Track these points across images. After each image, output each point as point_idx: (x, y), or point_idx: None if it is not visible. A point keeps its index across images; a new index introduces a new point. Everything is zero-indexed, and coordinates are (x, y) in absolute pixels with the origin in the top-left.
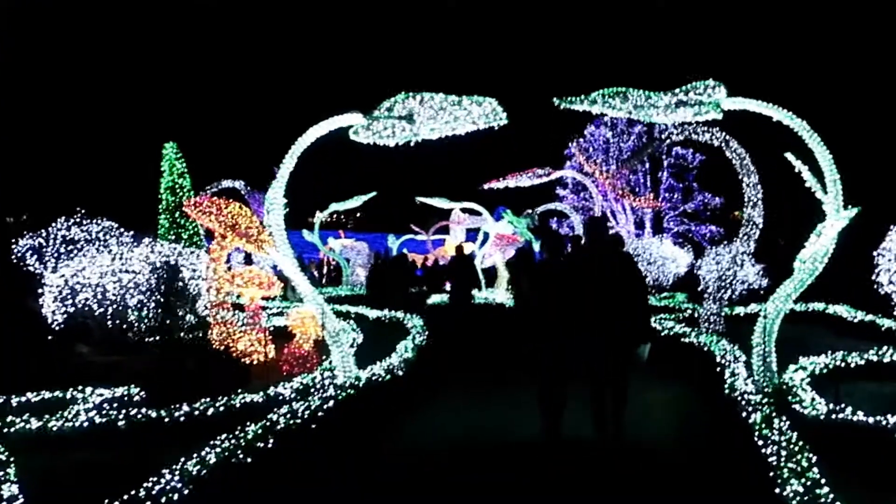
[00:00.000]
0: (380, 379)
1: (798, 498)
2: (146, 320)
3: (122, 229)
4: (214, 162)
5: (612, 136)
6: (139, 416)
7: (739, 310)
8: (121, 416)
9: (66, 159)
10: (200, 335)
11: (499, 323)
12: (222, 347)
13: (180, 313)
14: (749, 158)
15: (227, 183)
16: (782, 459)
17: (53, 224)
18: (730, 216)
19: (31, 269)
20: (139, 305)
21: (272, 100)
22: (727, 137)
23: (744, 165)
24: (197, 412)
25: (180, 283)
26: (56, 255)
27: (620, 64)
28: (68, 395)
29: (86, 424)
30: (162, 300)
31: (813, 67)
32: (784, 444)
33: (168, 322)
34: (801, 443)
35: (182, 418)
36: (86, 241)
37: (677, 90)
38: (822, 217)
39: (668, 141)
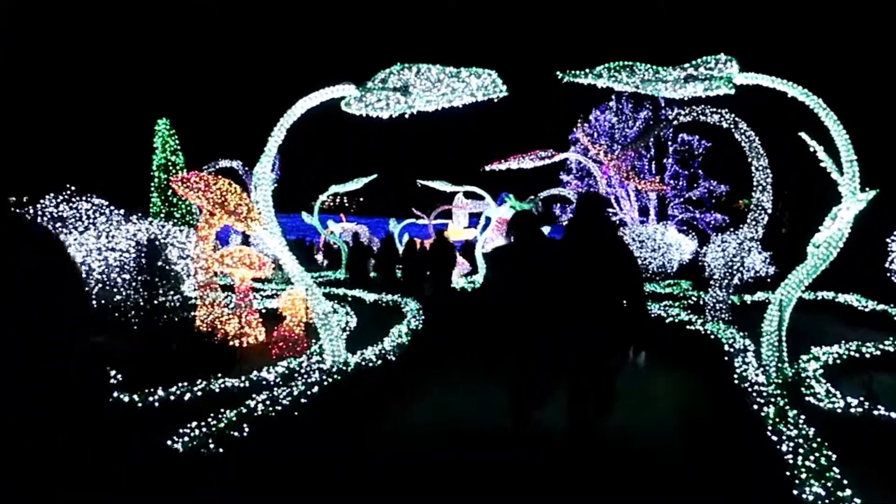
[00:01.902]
0: (370, 364)
1: (819, 501)
2: (130, 300)
3: (112, 207)
4: (210, 140)
5: (617, 122)
6: (110, 400)
7: (746, 297)
8: None
9: (59, 136)
10: (186, 316)
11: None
12: (209, 329)
13: (164, 293)
14: (758, 141)
15: (224, 163)
16: (800, 458)
17: (42, 201)
18: (734, 205)
19: None
20: (124, 285)
21: (272, 77)
22: (736, 119)
23: (753, 148)
24: (172, 397)
25: (162, 262)
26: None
27: (630, 44)
28: None
29: None
30: (145, 279)
31: (829, 44)
32: (801, 440)
33: (152, 302)
34: (818, 439)
35: (156, 403)
36: (75, 218)
37: (687, 64)
38: (828, 204)
39: (675, 122)
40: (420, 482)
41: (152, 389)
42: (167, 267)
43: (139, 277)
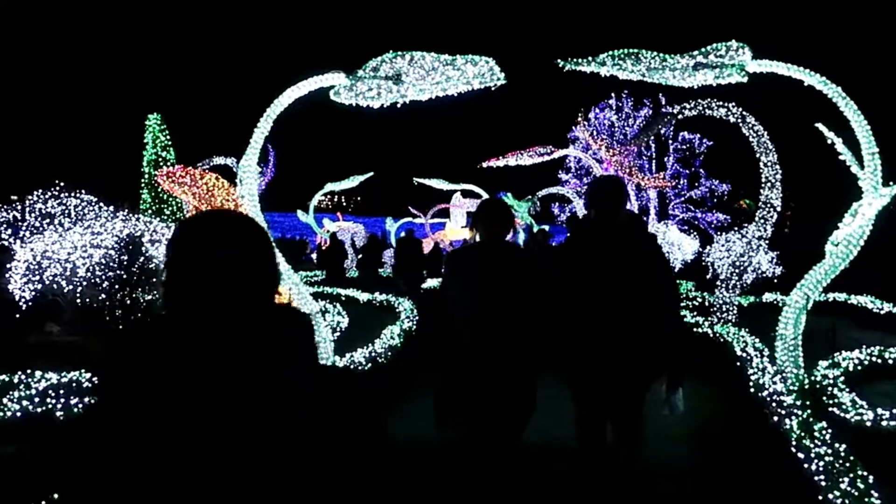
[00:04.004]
0: (359, 367)
1: None
2: (115, 299)
3: (101, 204)
4: (204, 136)
5: (616, 120)
6: (80, 405)
7: (752, 299)
8: (59, 406)
9: (49, 130)
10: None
11: None
12: None
13: (143, 291)
14: (767, 136)
15: (218, 160)
16: (831, 479)
17: (29, 197)
18: (736, 205)
19: (5, 243)
20: (105, 282)
21: (268, 71)
22: (743, 113)
23: (761, 143)
24: None
25: (143, 260)
26: (32, 229)
27: (634, 35)
28: (15, 380)
29: (19, 415)
30: (123, 276)
31: (847, 30)
32: (831, 458)
33: (129, 300)
34: (851, 457)
35: None
36: (63, 214)
37: (696, 52)
38: (836, 202)
39: (680, 116)
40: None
41: None
42: (148, 265)
43: (118, 275)
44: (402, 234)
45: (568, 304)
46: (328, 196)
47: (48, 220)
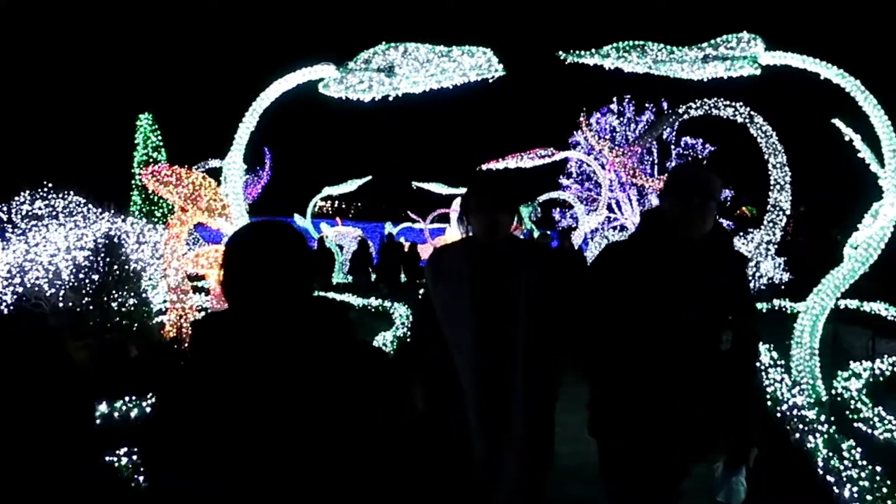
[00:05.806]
0: None
1: None
2: (86, 302)
3: (89, 205)
4: (197, 136)
5: (619, 126)
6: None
7: (761, 306)
8: None
9: (38, 129)
10: (147, 322)
11: None
12: (177, 335)
13: (120, 294)
14: (776, 136)
15: (214, 162)
16: None
17: (16, 198)
18: (737, 212)
19: None
20: (85, 285)
21: (266, 71)
22: (751, 112)
23: (770, 144)
24: (117, 413)
25: (122, 262)
26: (19, 230)
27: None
28: None
29: None
30: (101, 279)
31: (863, 22)
32: (866, 482)
33: (106, 304)
34: (888, 481)
35: (98, 420)
36: (50, 216)
37: (705, 44)
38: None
39: (685, 116)
40: None
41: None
42: (127, 267)
43: (100, 278)
44: (386, 240)
45: (610, 337)
46: (329, 201)
47: (35, 223)
